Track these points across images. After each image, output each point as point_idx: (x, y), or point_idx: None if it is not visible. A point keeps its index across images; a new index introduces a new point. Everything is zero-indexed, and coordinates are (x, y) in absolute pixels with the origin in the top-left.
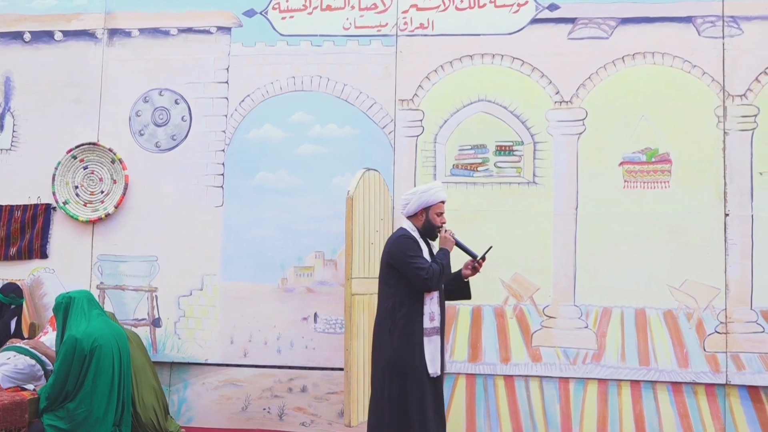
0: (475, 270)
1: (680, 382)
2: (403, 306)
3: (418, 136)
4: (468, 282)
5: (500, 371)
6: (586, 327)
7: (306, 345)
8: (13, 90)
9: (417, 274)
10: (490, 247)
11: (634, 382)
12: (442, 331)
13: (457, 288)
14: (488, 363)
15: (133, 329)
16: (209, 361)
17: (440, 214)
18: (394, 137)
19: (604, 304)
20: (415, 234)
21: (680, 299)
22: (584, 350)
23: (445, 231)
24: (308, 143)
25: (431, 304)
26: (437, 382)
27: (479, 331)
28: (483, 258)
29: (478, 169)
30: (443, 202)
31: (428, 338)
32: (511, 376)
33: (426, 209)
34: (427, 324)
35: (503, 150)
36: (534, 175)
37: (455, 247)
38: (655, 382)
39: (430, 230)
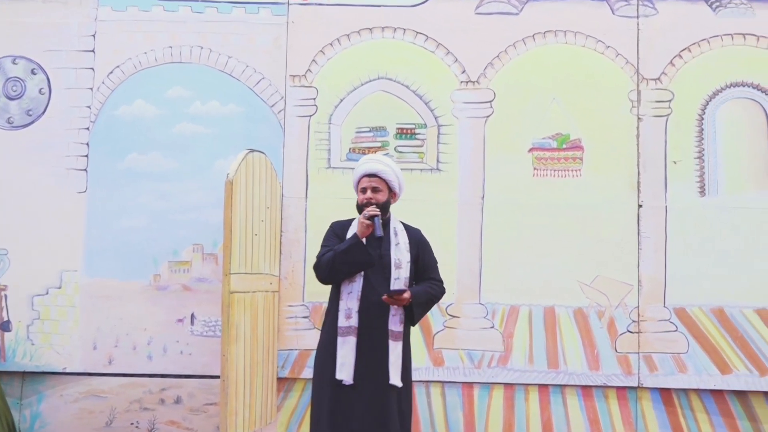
0: (392, 298)
1: (590, 386)
2: (329, 302)
3: (311, 116)
4: (410, 308)
5: None
6: (492, 327)
7: (181, 350)
8: None
9: None
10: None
11: (543, 387)
12: (366, 332)
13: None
14: None
15: None
16: (68, 370)
17: (364, 190)
18: (284, 117)
19: (511, 302)
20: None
21: (591, 296)
22: (490, 352)
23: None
24: (187, 122)
25: (348, 299)
26: (358, 390)
27: None
28: (390, 295)
29: (377, 153)
30: (368, 176)
31: (342, 339)
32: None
33: (356, 189)
34: (342, 322)
35: (404, 133)
36: (437, 161)
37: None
38: (565, 386)
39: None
